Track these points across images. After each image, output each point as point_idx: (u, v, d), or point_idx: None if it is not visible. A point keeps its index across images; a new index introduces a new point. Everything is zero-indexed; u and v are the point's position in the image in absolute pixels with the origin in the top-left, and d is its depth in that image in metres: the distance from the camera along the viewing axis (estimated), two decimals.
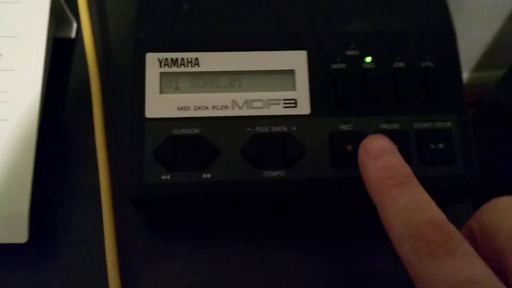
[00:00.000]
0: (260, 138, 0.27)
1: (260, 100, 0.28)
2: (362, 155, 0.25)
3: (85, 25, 0.33)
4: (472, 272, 0.18)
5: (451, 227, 0.20)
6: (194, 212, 0.31)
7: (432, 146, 0.28)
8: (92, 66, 0.32)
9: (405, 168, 0.23)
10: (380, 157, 0.24)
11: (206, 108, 0.28)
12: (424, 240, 0.20)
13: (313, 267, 0.30)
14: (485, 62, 1.22)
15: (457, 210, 0.30)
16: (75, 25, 0.35)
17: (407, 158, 0.27)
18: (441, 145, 0.28)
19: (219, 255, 0.30)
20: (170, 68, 0.28)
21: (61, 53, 0.34)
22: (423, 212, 0.21)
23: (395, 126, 0.28)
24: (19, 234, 0.27)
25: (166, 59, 0.29)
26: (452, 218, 0.21)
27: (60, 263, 0.30)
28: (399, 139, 0.27)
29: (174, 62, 0.29)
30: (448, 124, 0.28)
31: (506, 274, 0.20)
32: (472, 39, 1.14)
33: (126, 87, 0.33)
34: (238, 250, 0.30)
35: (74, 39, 0.35)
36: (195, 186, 0.27)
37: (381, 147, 0.24)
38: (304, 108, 0.28)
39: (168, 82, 0.28)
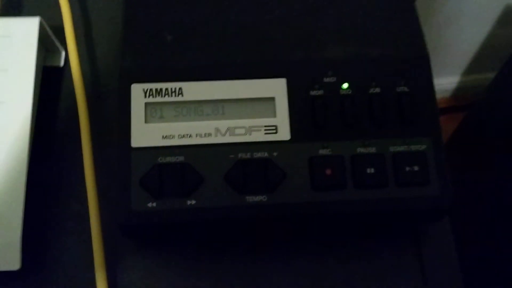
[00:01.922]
0: (243, 164, 0.29)
1: (242, 127, 0.29)
2: None
3: (72, 54, 0.34)
4: None
5: None
6: (181, 237, 0.32)
7: (408, 168, 0.29)
8: (80, 95, 0.33)
9: None
10: None
11: (190, 136, 0.29)
12: None
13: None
14: (476, 65, 1.24)
15: (436, 228, 0.31)
16: (63, 53, 0.36)
17: (384, 181, 0.28)
18: (416, 167, 0.29)
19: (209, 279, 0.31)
20: (154, 98, 0.29)
21: (50, 81, 0.35)
22: None
23: (372, 149, 0.29)
24: (12, 261, 0.28)
25: (151, 89, 0.30)
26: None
27: None
28: (376, 162, 0.29)
29: (159, 92, 0.30)
30: (423, 146, 0.29)
31: None
32: (463, 43, 1.16)
33: (113, 115, 0.34)
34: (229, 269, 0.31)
35: (63, 67, 0.36)
36: (180, 213, 0.28)
37: None
38: (284, 134, 0.29)
39: (153, 111, 0.29)
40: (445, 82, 1.32)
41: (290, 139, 0.29)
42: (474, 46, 1.19)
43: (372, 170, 0.29)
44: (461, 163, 1.11)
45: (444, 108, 1.36)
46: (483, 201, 0.97)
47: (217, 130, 0.29)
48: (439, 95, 1.33)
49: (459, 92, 1.34)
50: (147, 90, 0.30)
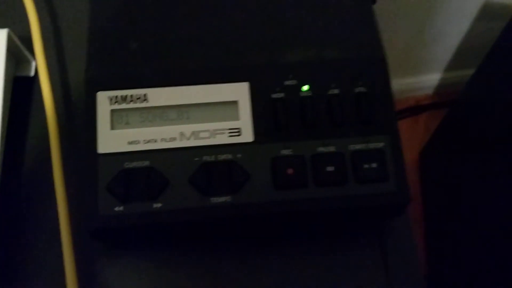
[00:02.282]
0: (207, 167, 0.29)
1: (207, 131, 0.30)
2: None
3: (40, 64, 0.34)
4: None
5: None
6: (149, 239, 0.33)
7: (366, 165, 0.30)
8: (49, 103, 0.33)
9: None
10: None
11: (156, 141, 0.30)
12: None
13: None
14: (457, 62, 1.26)
15: (396, 224, 0.32)
16: (34, 63, 0.37)
17: (343, 178, 0.29)
18: (374, 165, 0.30)
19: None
20: (120, 105, 0.30)
21: (22, 90, 0.36)
22: None
23: (332, 148, 0.30)
24: None
25: (116, 96, 0.30)
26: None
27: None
28: (335, 161, 0.30)
29: (124, 98, 0.30)
30: (381, 144, 0.30)
31: None
32: (444, 40, 1.18)
33: (81, 123, 0.35)
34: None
35: (34, 77, 0.37)
36: (147, 215, 0.29)
37: None
38: (247, 136, 0.30)
39: (118, 118, 0.30)
40: (427, 79, 1.34)
41: (253, 141, 0.30)
42: (454, 43, 1.20)
43: (332, 168, 0.30)
44: (443, 159, 1.13)
45: (427, 105, 1.38)
46: (463, 194, 0.99)
47: (182, 134, 0.30)
48: (422, 92, 1.34)
49: (442, 88, 1.36)
50: (112, 97, 0.30)
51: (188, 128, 0.30)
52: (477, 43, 1.13)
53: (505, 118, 0.83)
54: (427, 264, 1.13)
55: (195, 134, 0.30)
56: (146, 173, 0.29)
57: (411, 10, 1.03)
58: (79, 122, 0.35)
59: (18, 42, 0.35)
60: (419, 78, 1.34)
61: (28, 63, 0.37)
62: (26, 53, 0.36)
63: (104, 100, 0.30)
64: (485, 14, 1.09)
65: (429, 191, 1.19)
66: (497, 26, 0.91)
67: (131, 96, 0.30)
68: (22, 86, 0.36)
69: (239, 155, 0.30)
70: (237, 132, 0.30)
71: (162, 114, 0.30)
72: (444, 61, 1.27)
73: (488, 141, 0.89)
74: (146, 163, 0.29)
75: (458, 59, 1.25)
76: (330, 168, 0.30)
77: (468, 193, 0.96)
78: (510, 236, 0.78)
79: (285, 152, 0.30)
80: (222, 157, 0.30)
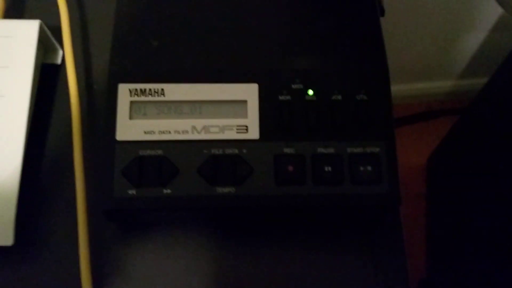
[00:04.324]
0: (215, 159, 0.32)
1: (217, 126, 0.33)
2: None
3: (68, 53, 0.37)
4: None
5: None
6: (158, 222, 0.35)
7: (362, 168, 0.32)
8: (73, 90, 0.36)
9: None
10: None
11: (169, 132, 0.33)
12: None
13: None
14: (470, 70, 1.26)
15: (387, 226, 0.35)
16: (61, 52, 0.40)
17: (340, 178, 0.32)
18: (369, 167, 0.32)
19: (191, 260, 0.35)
20: (139, 97, 0.33)
21: (49, 76, 0.39)
22: None
23: (331, 150, 0.32)
24: (6, 237, 0.32)
25: (136, 89, 0.33)
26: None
27: (41, 263, 0.34)
28: (334, 162, 0.32)
29: (143, 92, 0.33)
30: (377, 149, 0.33)
31: None
32: (459, 48, 1.19)
33: (103, 110, 0.37)
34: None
35: (60, 65, 0.40)
36: (157, 200, 0.31)
37: None
38: (254, 133, 0.33)
39: (137, 109, 0.33)
40: (440, 85, 1.35)
41: (258, 138, 0.33)
42: (470, 51, 1.21)
43: (330, 168, 0.32)
44: (451, 166, 1.14)
45: (438, 111, 1.39)
46: (468, 202, 1.00)
47: (194, 127, 0.33)
48: (434, 98, 1.35)
49: (454, 96, 1.37)
50: (132, 89, 0.33)
51: (199, 122, 0.33)
52: (492, 53, 1.14)
53: None
54: (426, 270, 1.15)
55: (205, 128, 0.33)
56: (158, 161, 0.32)
57: (428, 18, 1.04)
58: (100, 110, 0.38)
59: (48, 32, 0.38)
60: (432, 84, 1.35)
61: (56, 51, 0.40)
62: (55, 42, 0.39)
63: (124, 92, 0.33)
64: (502, 25, 1.10)
65: (435, 196, 1.20)
66: None
67: (150, 89, 0.33)
68: (49, 73, 0.39)
69: (244, 151, 0.32)
70: (245, 129, 0.33)
71: (177, 108, 0.33)
72: (458, 68, 1.28)
73: (496, 150, 0.90)
74: (159, 152, 0.32)
75: (472, 68, 1.26)
76: (328, 168, 0.32)
77: (474, 202, 0.97)
78: None
79: (288, 150, 0.32)
80: (229, 151, 0.32)
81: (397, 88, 1.31)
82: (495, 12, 1.06)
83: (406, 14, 1.02)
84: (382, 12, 0.37)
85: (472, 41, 1.17)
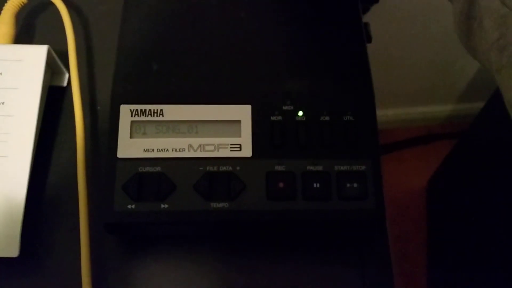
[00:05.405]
0: (210, 176, 0.34)
1: (212, 145, 0.35)
2: None
3: (73, 76, 0.39)
4: None
5: None
6: (156, 235, 0.37)
7: (349, 185, 0.34)
8: (78, 111, 0.38)
9: None
10: None
11: (167, 150, 0.35)
12: None
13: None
14: (469, 94, 1.28)
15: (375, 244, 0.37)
16: (67, 75, 0.42)
17: (328, 194, 0.34)
18: (356, 184, 0.34)
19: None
20: (139, 117, 0.35)
21: (55, 98, 0.41)
22: None
23: (319, 167, 0.34)
24: (12, 249, 0.34)
25: (137, 109, 0.35)
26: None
27: (44, 274, 0.36)
28: (322, 179, 0.34)
29: (143, 112, 0.35)
30: (363, 167, 0.34)
31: None
32: (458, 73, 1.21)
33: (107, 129, 0.39)
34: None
35: (66, 87, 0.42)
36: (155, 214, 0.33)
37: None
38: (247, 151, 0.35)
39: (137, 128, 0.35)
40: (440, 110, 1.37)
41: (251, 156, 0.35)
42: (468, 76, 1.23)
43: (319, 185, 0.34)
44: (450, 189, 1.15)
45: (438, 134, 1.40)
46: (467, 225, 1.01)
47: (190, 146, 0.35)
48: (434, 122, 1.36)
49: (454, 119, 1.39)
50: (133, 110, 0.35)
51: (196, 141, 0.35)
52: (489, 78, 1.15)
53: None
54: None
55: (201, 146, 0.35)
56: (157, 177, 0.34)
57: (428, 45, 1.07)
58: (102, 129, 0.40)
59: (55, 57, 0.40)
60: (432, 108, 1.37)
61: (62, 74, 0.42)
62: (61, 66, 0.41)
63: (126, 112, 0.35)
64: None
65: (436, 218, 1.21)
66: None
67: (149, 110, 0.35)
68: (55, 94, 0.41)
69: (238, 168, 0.34)
70: (238, 147, 0.35)
71: (175, 127, 0.35)
72: (456, 93, 1.30)
73: (495, 173, 0.91)
74: (158, 168, 0.34)
75: (470, 92, 1.28)
76: (317, 185, 0.34)
77: (474, 224, 0.98)
78: None
79: (279, 168, 0.34)
80: (223, 168, 0.34)
81: (397, 112, 1.33)
82: None
83: (407, 41, 1.05)
84: (369, 39, 0.40)
85: (470, 66, 1.19)
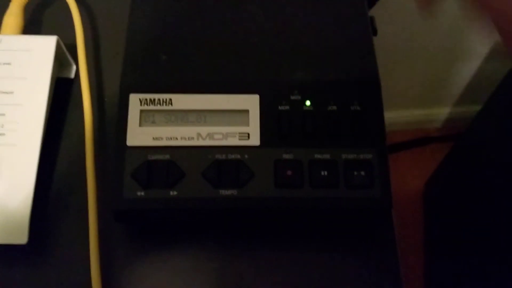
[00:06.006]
0: (218, 164, 0.34)
1: (220, 133, 0.35)
2: None
3: (82, 68, 0.40)
4: None
5: None
6: (164, 223, 0.38)
7: (356, 173, 0.34)
8: (86, 102, 0.39)
9: None
10: None
11: (176, 138, 0.35)
12: None
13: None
14: (466, 98, 1.29)
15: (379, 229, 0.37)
16: (74, 67, 0.43)
17: (335, 182, 0.34)
18: (363, 173, 0.34)
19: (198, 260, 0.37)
20: (148, 106, 0.35)
21: (62, 89, 0.42)
22: None
23: (327, 156, 0.35)
24: (20, 236, 0.34)
25: (146, 99, 0.36)
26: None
27: (52, 261, 0.36)
28: (329, 167, 0.34)
29: (152, 101, 0.36)
30: (370, 156, 0.35)
31: None
32: (455, 77, 1.22)
33: (113, 119, 0.40)
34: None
35: (73, 79, 0.42)
36: (164, 201, 0.33)
37: None
38: (255, 140, 0.35)
39: (146, 117, 0.35)
40: (437, 113, 1.38)
41: (259, 145, 0.35)
42: (465, 80, 1.24)
43: (326, 173, 0.34)
44: (446, 191, 1.15)
45: (435, 137, 1.41)
46: (463, 227, 1.01)
47: (199, 134, 0.35)
48: (432, 125, 1.37)
49: (451, 122, 1.40)
50: (142, 99, 0.35)
51: (204, 130, 0.35)
52: (486, 81, 1.17)
53: (508, 154, 0.86)
54: None
55: (210, 135, 0.35)
56: (166, 165, 0.34)
57: (425, 48, 1.08)
58: (110, 120, 0.41)
59: (63, 48, 0.40)
60: (429, 110, 1.38)
61: (69, 66, 0.42)
62: (69, 57, 0.41)
63: (135, 101, 0.35)
64: (494, 55, 1.13)
65: (432, 220, 1.22)
66: (504, 66, 0.95)
67: (159, 99, 0.36)
68: (62, 86, 0.42)
69: (246, 156, 0.35)
70: (246, 136, 0.35)
71: (184, 116, 0.35)
72: (453, 96, 1.31)
73: (491, 175, 0.92)
74: (167, 156, 0.34)
75: (467, 95, 1.29)
76: (324, 173, 0.34)
77: (471, 226, 0.99)
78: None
79: (286, 156, 0.35)
80: (232, 156, 0.35)
81: (395, 115, 1.34)
82: (487, 43, 1.10)
83: (405, 45, 1.06)
84: (375, 32, 0.40)
85: (467, 69, 1.20)
